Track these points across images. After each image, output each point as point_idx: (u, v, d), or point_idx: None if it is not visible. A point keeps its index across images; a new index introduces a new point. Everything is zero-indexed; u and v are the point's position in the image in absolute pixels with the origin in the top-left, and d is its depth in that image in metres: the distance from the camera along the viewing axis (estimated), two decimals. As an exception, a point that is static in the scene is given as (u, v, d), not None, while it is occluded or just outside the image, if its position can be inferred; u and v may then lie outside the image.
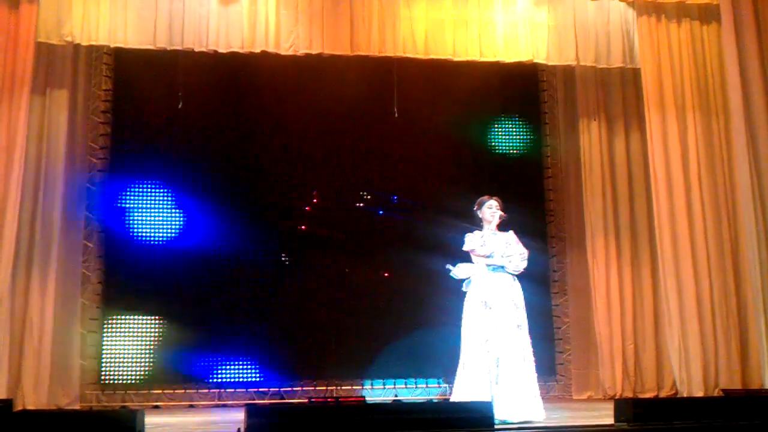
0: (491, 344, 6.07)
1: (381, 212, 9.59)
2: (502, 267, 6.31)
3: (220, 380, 8.92)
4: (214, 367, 8.93)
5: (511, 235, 6.44)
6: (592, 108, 9.66)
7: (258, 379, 8.99)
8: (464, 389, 6.05)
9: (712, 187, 8.91)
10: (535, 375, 6.20)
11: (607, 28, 9.15)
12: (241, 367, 8.98)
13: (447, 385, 8.77)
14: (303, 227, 9.46)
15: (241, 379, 8.97)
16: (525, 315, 6.27)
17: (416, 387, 9.14)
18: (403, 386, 9.19)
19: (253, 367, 9.01)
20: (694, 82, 9.06)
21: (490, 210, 6.41)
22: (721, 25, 8.70)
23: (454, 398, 6.12)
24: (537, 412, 6.03)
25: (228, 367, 8.95)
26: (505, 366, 6.02)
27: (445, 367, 8.21)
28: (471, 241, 6.36)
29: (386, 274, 9.48)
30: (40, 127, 8.59)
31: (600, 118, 9.64)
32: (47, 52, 8.63)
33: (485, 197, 6.50)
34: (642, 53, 9.00)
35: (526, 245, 6.47)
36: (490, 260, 6.29)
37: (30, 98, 8.15)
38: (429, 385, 9.15)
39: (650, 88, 8.94)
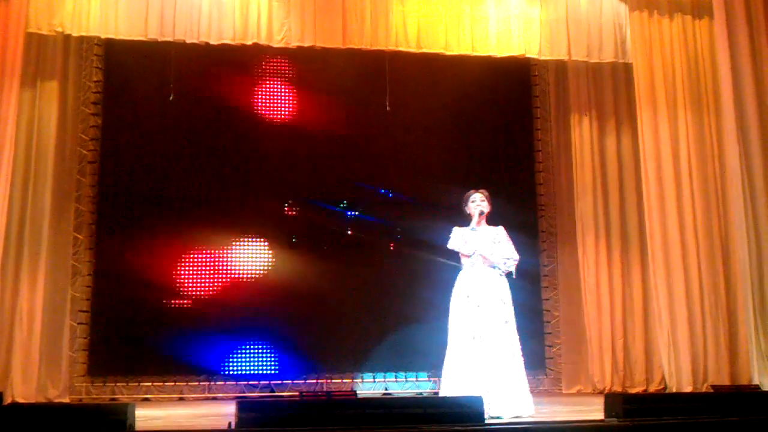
0: (479, 340, 6.08)
1: (372, 206, 9.56)
2: (494, 266, 6.32)
3: (210, 373, 8.90)
4: (204, 360, 8.91)
5: (500, 231, 6.42)
6: (584, 103, 9.69)
7: (248, 373, 8.98)
8: (452, 384, 6.07)
9: (703, 183, 8.95)
10: (524, 370, 6.23)
11: (599, 22, 9.16)
12: (231, 360, 8.96)
13: (436, 380, 8.76)
14: (293, 221, 9.42)
15: (231, 373, 8.96)
16: (512, 310, 6.29)
17: (406, 381, 9.15)
18: (393, 380, 9.20)
19: (243, 360, 9.00)
20: (685, 77, 9.09)
21: (474, 204, 6.40)
22: (714, 20, 8.71)
23: (442, 393, 6.14)
24: (526, 406, 6.06)
25: (218, 360, 8.93)
26: (494, 362, 6.04)
27: (435, 362, 8.21)
28: (454, 240, 6.35)
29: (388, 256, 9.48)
30: (30, 118, 8.55)
31: (591, 113, 9.66)
32: (37, 42, 8.59)
33: (471, 191, 6.49)
34: (634, 48, 9.02)
35: (516, 240, 6.48)
36: (472, 260, 6.28)
37: (20, 89, 8.10)
38: (419, 379, 9.16)
39: (642, 83, 8.96)
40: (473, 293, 6.20)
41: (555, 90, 10.00)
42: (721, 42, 8.52)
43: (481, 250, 6.28)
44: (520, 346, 6.26)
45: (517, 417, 5.90)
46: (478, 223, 6.37)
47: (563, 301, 9.65)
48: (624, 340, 9.23)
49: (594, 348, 9.20)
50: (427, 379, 9.10)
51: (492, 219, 6.52)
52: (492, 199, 6.50)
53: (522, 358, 6.26)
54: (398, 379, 9.19)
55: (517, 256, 6.38)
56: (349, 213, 9.54)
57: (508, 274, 6.39)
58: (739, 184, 8.26)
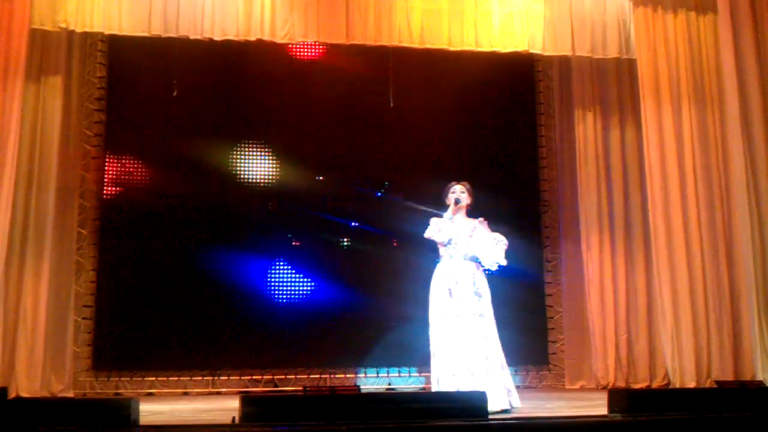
0: (455, 333, 6.07)
1: (375, 201, 9.55)
2: (474, 257, 6.29)
3: (213, 368, 8.92)
4: (208, 355, 8.92)
5: (479, 223, 6.39)
6: (588, 98, 9.68)
7: (252, 367, 8.99)
8: (445, 379, 6.06)
9: (707, 178, 8.93)
10: (503, 364, 6.16)
11: (603, 18, 9.13)
12: (235, 354, 8.96)
13: (426, 375, 8.71)
14: (294, 217, 9.42)
15: (234, 367, 8.96)
16: (489, 304, 6.23)
17: (410, 376, 9.16)
18: (397, 375, 9.21)
19: (247, 354, 9.00)
20: (689, 73, 9.06)
21: (454, 195, 6.38)
22: (717, 15, 8.70)
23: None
24: (504, 401, 5.98)
25: (222, 354, 8.94)
26: (468, 356, 6.01)
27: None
28: (429, 229, 6.34)
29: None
30: (34, 113, 8.55)
31: (595, 109, 9.65)
32: (41, 38, 8.58)
33: (452, 182, 6.47)
34: (638, 44, 9.00)
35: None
36: (449, 248, 6.28)
37: (24, 85, 8.10)
38: (422, 374, 9.15)
39: (646, 78, 8.94)
40: (451, 287, 6.19)
41: (559, 85, 10.00)
42: (725, 38, 8.51)
43: (459, 239, 6.26)
44: (498, 340, 6.21)
45: (493, 412, 5.84)
46: (454, 212, 6.34)
47: (566, 297, 9.66)
48: (627, 336, 9.23)
49: (597, 343, 9.20)
50: (429, 374, 9.03)
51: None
52: (471, 190, 6.47)
53: (501, 352, 6.19)
54: (402, 374, 9.20)
55: (505, 240, 6.34)
56: (352, 207, 9.52)
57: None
58: (743, 179, 8.25)
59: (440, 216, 6.38)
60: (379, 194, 9.57)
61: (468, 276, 6.23)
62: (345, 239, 9.50)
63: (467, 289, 6.18)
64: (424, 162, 9.54)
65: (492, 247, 6.24)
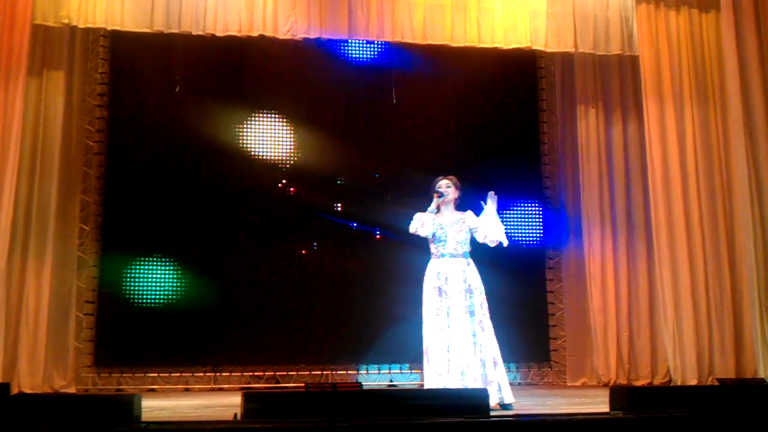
0: (447, 330, 6.06)
1: (378, 198, 9.54)
2: (464, 254, 6.28)
3: (215, 364, 8.92)
4: (210, 351, 8.93)
5: (468, 216, 6.35)
6: (590, 95, 9.66)
7: (254, 364, 9.00)
8: (431, 377, 6.06)
9: (709, 176, 8.92)
10: (495, 360, 6.13)
11: (605, 14, 9.13)
12: (236, 350, 8.97)
13: (419, 372, 8.69)
14: (300, 212, 9.42)
15: (236, 363, 8.97)
16: (483, 298, 6.20)
17: (411, 372, 9.15)
18: (399, 371, 9.21)
19: (249, 351, 9.00)
20: (692, 70, 9.05)
21: (439, 189, 6.36)
22: (720, 13, 8.69)
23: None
24: (495, 397, 5.97)
25: (223, 350, 8.94)
26: (452, 354, 6.01)
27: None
28: (412, 223, 6.33)
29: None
30: (36, 109, 8.56)
31: (598, 106, 9.64)
32: (44, 34, 8.60)
33: (440, 176, 6.45)
34: (641, 41, 8.99)
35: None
36: (438, 246, 6.27)
37: (26, 81, 8.11)
38: (419, 371, 9.14)
39: (648, 75, 8.93)
40: (441, 284, 6.18)
41: (561, 82, 9.98)
42: (727, 35, 8.50)
43: (446, 233, 6.25)
44: (492, 335, 6.20)
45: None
46: (439, 205, 6.32)
47: (568, 294, 9.65)
48: (629, 333, 9.23)
49: (599, 340, 9.20)
50: (416, 371, 8.99)
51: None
52: (457, 184, 6.44)
53: (495, 347, 6.16)
54: (403, 371, 9.20)
55: (502, 225, 6.33)
56: (355, 203, 9.51)
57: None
58: (745, 176, 8.25)
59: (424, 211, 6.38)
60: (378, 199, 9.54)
61: (458, 272, 6.21)
62: (346, 236, 9.49)
63: (457, 286, 6.16)
64: (425, 159, 9.51)
65: (495, 223, 6.22)
